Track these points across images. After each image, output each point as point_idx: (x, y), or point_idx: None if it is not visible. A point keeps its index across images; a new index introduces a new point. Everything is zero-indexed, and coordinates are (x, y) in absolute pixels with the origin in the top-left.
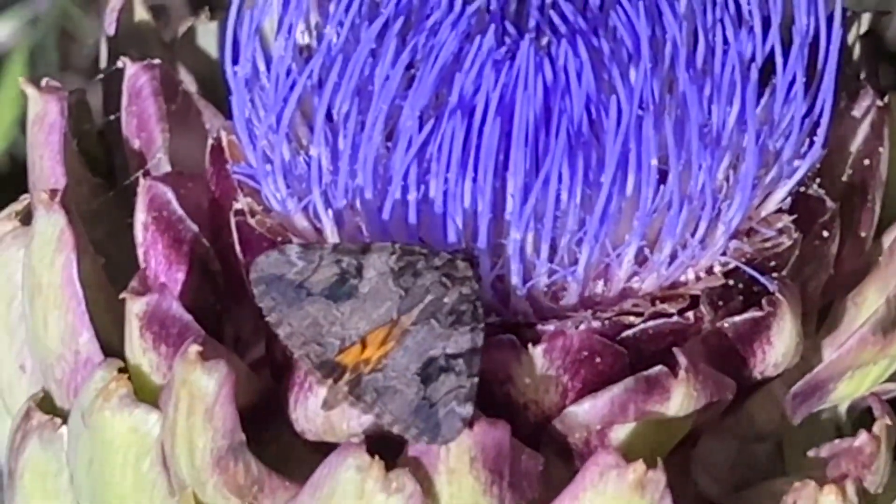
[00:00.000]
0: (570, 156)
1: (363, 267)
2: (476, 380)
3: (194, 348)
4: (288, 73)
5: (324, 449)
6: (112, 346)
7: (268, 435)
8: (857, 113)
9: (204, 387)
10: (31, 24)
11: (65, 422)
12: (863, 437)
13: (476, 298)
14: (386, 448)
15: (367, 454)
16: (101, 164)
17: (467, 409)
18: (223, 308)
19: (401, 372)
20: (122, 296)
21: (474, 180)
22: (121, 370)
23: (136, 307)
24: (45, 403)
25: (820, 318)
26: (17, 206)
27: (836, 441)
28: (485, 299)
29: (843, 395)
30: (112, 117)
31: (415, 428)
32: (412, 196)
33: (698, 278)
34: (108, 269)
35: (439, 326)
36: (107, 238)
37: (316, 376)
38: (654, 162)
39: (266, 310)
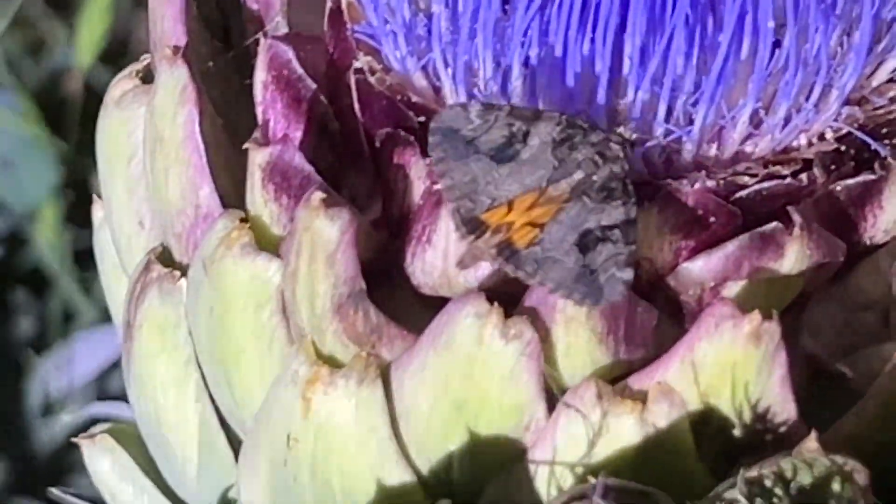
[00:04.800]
0: (688, 18)
1: (530, 133)
2: (634, 248)
3: (318, 195)
4: None
5: (439, 305)
6: (230, 206)
7: (384, 291)
8: None
9: (327, 233)
10: None
11: (184, 275)
12: None
13: (625, 177)
14: (502, 303)
15: (486, 302)
16: (218, 30)
17: (628, 273)
18: (340, 168)
19: (557, 244)
20: (245, 145)
21: (592, 41)
22: (242, 220)
23: (259, 157)
24: (164, 257)
25: None
26: (137, 66)
27: None
28: None
29: None
30: None
31: (577, 293)
32: (533, 53)
33: (810, 144)
34: (224, 130)
35: (591, 202)
36: (222, 100)
37: (461, 232)
38: (771, 24)
39: (435, 160)
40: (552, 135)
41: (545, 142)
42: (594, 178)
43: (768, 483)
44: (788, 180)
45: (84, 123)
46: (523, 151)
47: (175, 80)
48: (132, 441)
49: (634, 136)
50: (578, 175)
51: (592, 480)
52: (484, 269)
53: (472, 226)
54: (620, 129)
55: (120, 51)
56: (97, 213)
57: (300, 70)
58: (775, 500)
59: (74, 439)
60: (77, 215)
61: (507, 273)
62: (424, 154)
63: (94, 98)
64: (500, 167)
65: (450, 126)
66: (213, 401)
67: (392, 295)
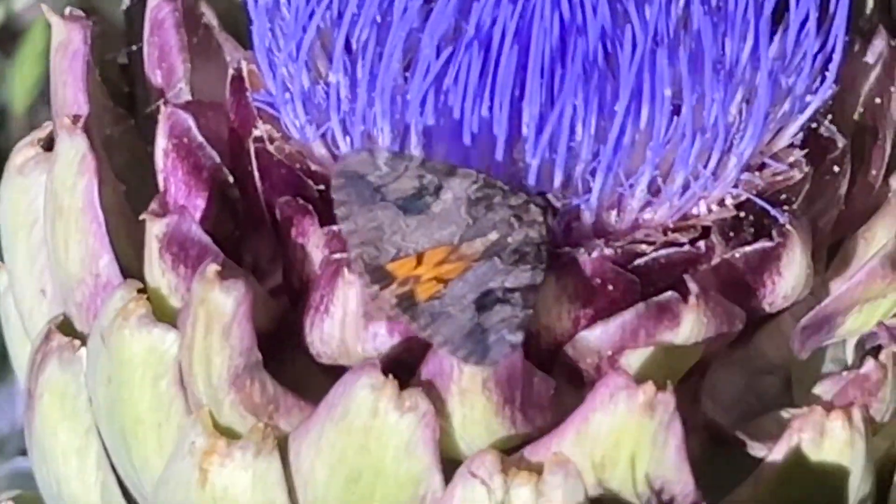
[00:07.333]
0: (585, 87)
1: (442, 188)
2: (531, 312)
3: (213, 267)
4: (307, 2)
5: (338, 374)
6: (131, 273)
7: (283, 360)
8: (870, 53)
9: (222, 305)
10: None
11: (84, 344)
12: (869, 364)
13: (541, 243)
14: (399, 371)
15: (381, 374)
16: (123, 95)
17: (517, 337)
18: (241, 236)
19: (457, 300)
20: (142, 216)
21: (490, 109)
22: (140, 291)
23: (156, 228)
24: (65, 326)
25: (829, 257)
26: (39, 133)
27: (844, 372)
28: None
29: (852, 329)
30: (134, 48)
31: (464, 349)
32: (431, 121)
33: (710, 210)
34: (127, 197)
35: (501, 263)
36: (126, 167)
37: (364, 280)
38: (668, 92)
39: (337, 203)
40: (467, 192)
41: (459, 198)
42: (508, 239)
43: None
44: (687, 248)
45: None
46: (434, 205)
47: (74, 150)
48: None
49: (560, 203)
50: (493, 236)
51: None
52: (382, 339)
53: (378, 275)
54: (549, 194)
55: None
56: (2, 278)
57: (200, 138)
58: None
59: None
60: None
61: (404, 324)
62: (323, 223)
63: None
64: (408, 218)
65: (355, 171)
66: (114, 469)
67: (292, 363)
